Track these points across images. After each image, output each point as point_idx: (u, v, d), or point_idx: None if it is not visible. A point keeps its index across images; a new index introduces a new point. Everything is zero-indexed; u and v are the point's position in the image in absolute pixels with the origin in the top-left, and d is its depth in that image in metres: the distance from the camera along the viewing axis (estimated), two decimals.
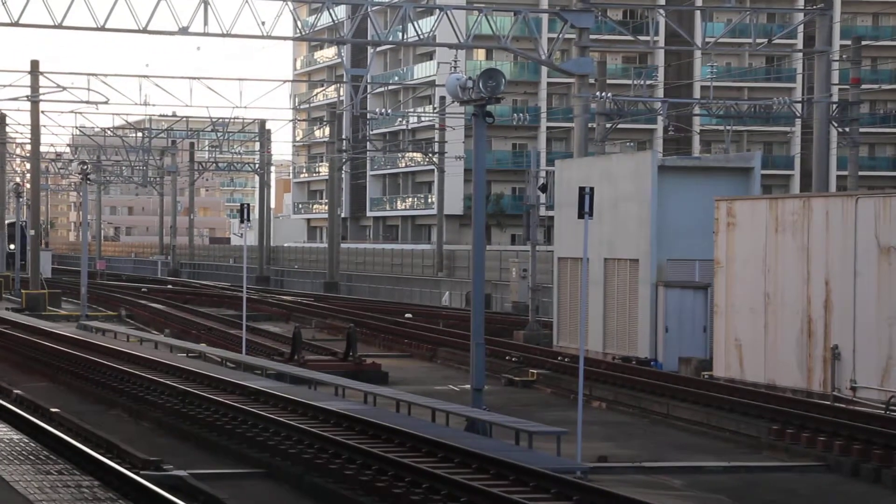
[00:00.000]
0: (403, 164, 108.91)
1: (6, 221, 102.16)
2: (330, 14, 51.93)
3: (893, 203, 26.16)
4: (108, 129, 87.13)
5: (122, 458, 19.39)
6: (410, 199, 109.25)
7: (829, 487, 20.14)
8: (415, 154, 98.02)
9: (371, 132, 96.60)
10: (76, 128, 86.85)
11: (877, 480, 20.46)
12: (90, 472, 16.59)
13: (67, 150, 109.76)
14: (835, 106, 50.68)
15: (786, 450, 22.79)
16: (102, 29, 40.04)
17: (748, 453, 23.08)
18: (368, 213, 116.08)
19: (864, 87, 59.71)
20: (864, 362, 26.48)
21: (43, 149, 72.39)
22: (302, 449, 19.98)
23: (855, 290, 26.82)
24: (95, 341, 37.69)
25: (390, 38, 65.44)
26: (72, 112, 68.08)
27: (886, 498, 19.61)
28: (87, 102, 58.89)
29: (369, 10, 42.62)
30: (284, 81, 61.53)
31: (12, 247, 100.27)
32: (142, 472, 17.83)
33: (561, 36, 44.53)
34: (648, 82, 63.47)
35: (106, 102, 57.98)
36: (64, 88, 58.35)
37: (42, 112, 61.04)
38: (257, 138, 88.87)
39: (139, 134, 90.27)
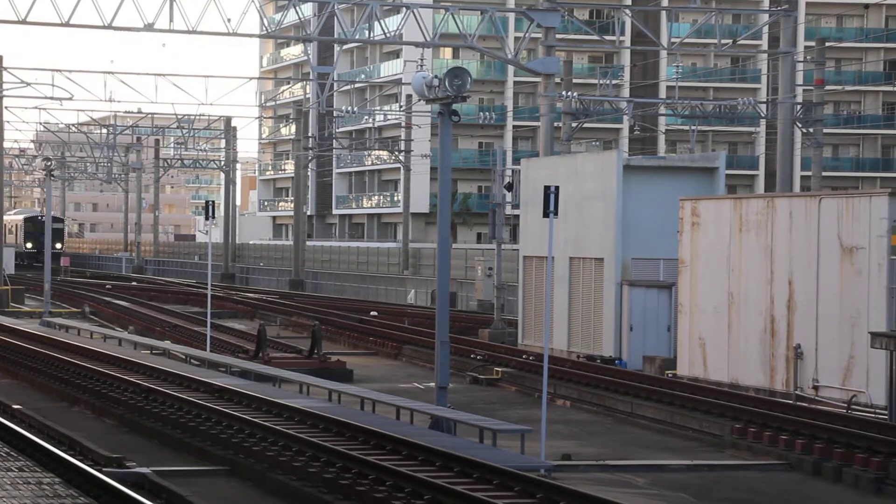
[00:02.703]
0: (369, 162, 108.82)
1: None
2: (296, 11, 51.88)
3: (856, 203, 26.34)
4: (73, 125, 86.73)
5: (85, 455, 19.32)
6: (376, 197, 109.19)
7: (790, 486, 20.27)
8: (381, 152, 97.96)
9: (337, 130, 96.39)
10: (40, 124, 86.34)
11: (838, 479, 20.60)
12: (52, 470, 16.51)
13: (31, 146, 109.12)
14: (799, 107, 50.94)
15: (748, 448, 22.91)
16: (67, 25, 39.83)
17: (711, 452, 23.19)
18: (334, 211, 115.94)
19: (827, 88, 60.05)
20: (826, 361, 26.65)
21: (6, 144, 71.92)
22: (266, 446, 19.95)
23: (818, 290, 26.99)
24: (59, 338, 37.51)
25: (357, 36, 65.39)
26: (36, 108, 67.77)
27: (847, 496, 19.74)
28: (52, 98, 58.58)
29: (336, 7, 42.56)
30: (250, 79, 61.36)
31: (29, 245, 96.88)
32: (104, 469, 17.76)
33: (527, 35, 44.60)
34: (614, 82, 63.65)
35: (70, 98, 57.70)
36: (28, 84, 58.01)
37: (6, 108, 60.66)
38: (223, 135, 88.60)
39: (104, 130, 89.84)
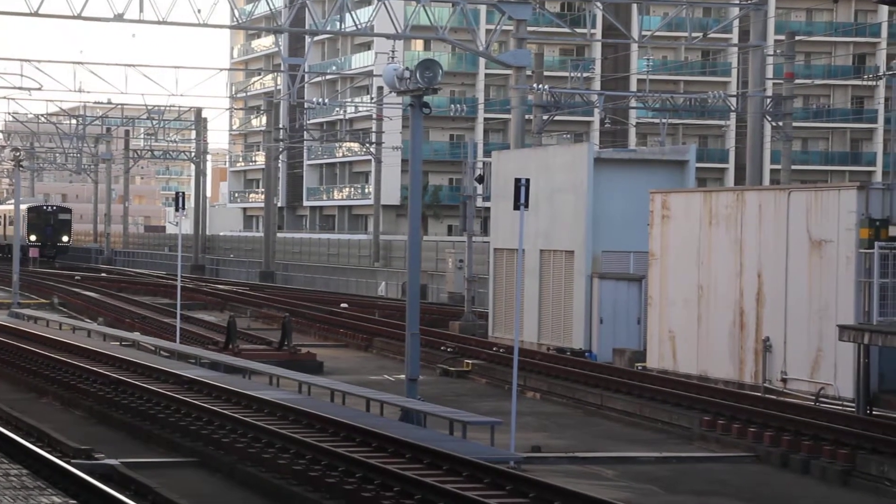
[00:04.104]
0: (340, 154, 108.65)
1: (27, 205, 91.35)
2: (267, 2, 51.71)
3: (824, 197, 26.46)
4: (42, 115, 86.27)
5: (53, 446, 19.26)
6: (347, 189, 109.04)
7: (758, 478, 20.36)
8: (352, 144, 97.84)
9: (308, 122, 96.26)
10: (9, 114, 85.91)
11: (805, 472, 20.70)
12: (19, 461, 16.43)
13: (0, 136, 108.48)
14: (769, 100, 51.09)
15: (717, 441, 23.01)
16: (36, 14, 39.60)
17: (680, 444, 23.28)
18: (305, 203, 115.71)
19: (797, 81, 60.33)
20: (795, 354, 26.78)
21: None
22: (235, 438, 19.92)
23: (786, 283, 27.11)
24: (27, 329, 37.34)
25: (328, 28, 65.26)
26: (4, 98, 67.39)
27: (814, 488, 19.85)
28: (20, 89, 58.27)
29: None
30: (221, 70, 61.16)
31: (33, 238, 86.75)
32: (73, 460, 17.71)
33: (499, 27, 44.59)
34: (585, 75, 63.73)
35: (39, 89, 57.41)
36: None
37: None
38: (193, 126, 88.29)
39: (73, 121, 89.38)
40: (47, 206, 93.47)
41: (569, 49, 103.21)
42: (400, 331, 34.63)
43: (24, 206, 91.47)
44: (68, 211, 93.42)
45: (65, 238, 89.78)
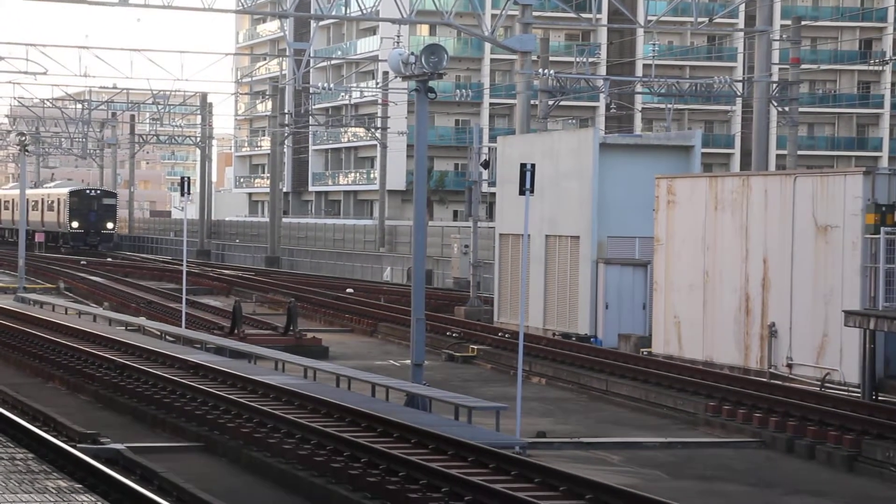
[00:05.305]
0: (346, 139, 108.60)
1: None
2: None
3: (830, 182, 26.42)
4: (48, 100, 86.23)
5: (59, 431, 19.29)
6: (353, 174, 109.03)
7: (763, 463, 20.37)
8: (357, 129, 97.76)
9: (313, 107, 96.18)
10: (14, 99, 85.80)
11: (811, 457, 20.71)
12: (25, 445, 16.46)
13: (5, 121, 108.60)
14: (775, 85, 51.01)
15: (722, 426, 23.01)
16: None
17: (685, 429, 23.29)
18: (310, 188, 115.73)
19: (803, 66, 60.17)
20: (800, 340, 26.76)
21: None
22: (240, 423, 19.93)
23: (792, 269, 27.09)
24: (33, 314, 37.38)
25: (333, 12, 65.20)
26: (10, 83, 67.38)
27: (820, 474, 19.85)
28: (26, 73, 58.25)
29: None
30: (226, 54, 61.10)
31: (75, 224, 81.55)
32: (78, 445, 17.75)
33: (504, 12, 44.53)
34: (591, 60, 63.58)
35: (45, 73, 57.40)
36: (1, 58, 57.66)
37: None
38: (199, 111, 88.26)
39: (79, 105, 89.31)
40: (90, 189, 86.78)
41: (574, 34, 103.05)
42: (405, 316, 34.63)
43: (65, 190, 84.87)
44: (113, 195, 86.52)
45: (109, 225, 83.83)
